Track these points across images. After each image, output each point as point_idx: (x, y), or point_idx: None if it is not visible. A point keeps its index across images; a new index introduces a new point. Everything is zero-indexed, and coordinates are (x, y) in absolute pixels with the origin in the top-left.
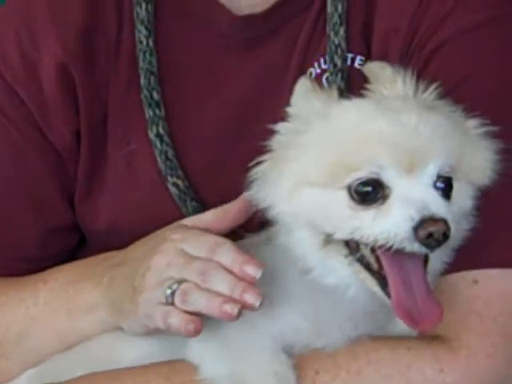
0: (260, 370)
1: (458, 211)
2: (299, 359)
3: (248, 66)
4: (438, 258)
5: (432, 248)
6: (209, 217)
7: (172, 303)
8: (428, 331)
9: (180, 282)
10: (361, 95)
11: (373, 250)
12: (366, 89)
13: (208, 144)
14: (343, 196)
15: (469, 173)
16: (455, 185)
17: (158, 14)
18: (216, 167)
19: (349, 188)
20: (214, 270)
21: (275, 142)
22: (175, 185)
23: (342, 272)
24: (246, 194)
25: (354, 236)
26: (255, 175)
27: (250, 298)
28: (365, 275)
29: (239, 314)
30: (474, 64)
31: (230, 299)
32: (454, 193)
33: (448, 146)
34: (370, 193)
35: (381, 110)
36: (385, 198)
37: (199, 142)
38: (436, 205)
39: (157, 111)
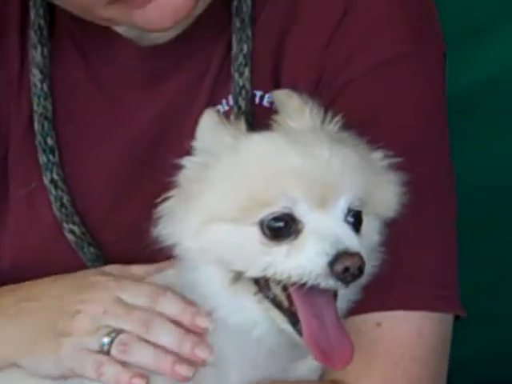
0: None
1: (367, 246)
2: None
3: (152, 100)
4: (345, 296)
5: (347, 283)
6: (140, 272)
7: (107, 353)
8: (341, 368)
9: (118, 331)
10: (268, 126)
11: (284, 288)
12: (272, 120)
13: (109, 184)
14: (255, 232)
15: (376, 206)
16: (364, 219)
17: (55, 56)
18: (118, 207)
19: (261, 224)
20: (157, 321)
21: (182, 177)
22: (71, 231)
23: (250, 310)
24: None
25: (266, 273)
26: (162, 212)
27: (202, 353)
28: (275, 313)
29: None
30: (380, 101)
31: (182, 359)
32: (363, 227)
33: (358, 179)
34: (282, 228)
35: (291, 143)
36: (297, 232)
37: (100, 183)
38: (349, 239)
39: (51, 157)
